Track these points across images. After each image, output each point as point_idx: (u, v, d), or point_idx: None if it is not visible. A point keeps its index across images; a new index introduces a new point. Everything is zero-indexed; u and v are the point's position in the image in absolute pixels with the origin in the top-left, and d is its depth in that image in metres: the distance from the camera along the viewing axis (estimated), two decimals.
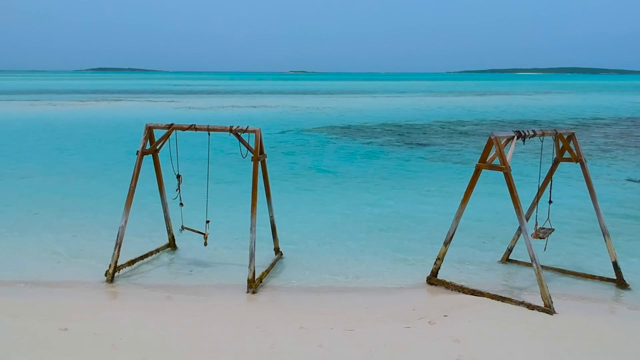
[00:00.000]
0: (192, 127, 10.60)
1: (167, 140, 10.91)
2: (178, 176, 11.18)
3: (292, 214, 14.85)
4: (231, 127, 10.38)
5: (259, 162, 10.26)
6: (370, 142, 30.32)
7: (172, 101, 67.72)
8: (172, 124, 10.65)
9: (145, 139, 10.77)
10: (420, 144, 29.77)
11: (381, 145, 29.43)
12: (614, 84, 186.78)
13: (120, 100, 69.37)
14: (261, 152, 10.48)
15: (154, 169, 11.40)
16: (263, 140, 10.33)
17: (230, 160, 22.48)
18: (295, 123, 41.19)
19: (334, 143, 30.11)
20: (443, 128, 38.32)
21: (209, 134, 10.64)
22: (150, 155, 11.05)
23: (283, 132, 35.15)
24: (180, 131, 10.53)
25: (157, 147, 11.12)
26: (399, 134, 34.28)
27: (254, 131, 10.26)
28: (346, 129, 37.15)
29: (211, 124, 10.50)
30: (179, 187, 11.17)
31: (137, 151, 10.68)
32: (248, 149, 10.40)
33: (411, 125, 40.32)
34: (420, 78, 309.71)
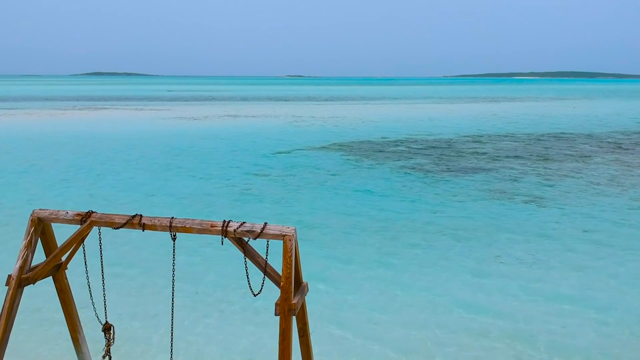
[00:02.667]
0: (135, 222, 4.56)
1: (82, 245, 4.88)
2: (106, 327, 5.13)
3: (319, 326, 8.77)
4: (226, 225, 4.39)
5: (295, 311, 4.27)
6: (401, 168, 24.28)
7: (161, 109, 61.45)
8: (88, 214, 4.64)
9: (30, 247, 4.72)
10: (464, 169, 23.77)
11: (414, 170, 23.42)
12: (622, 88, 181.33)
13: (104, 108, 63.10)
14: (297, 283, 4.48)
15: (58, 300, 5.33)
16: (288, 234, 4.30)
17: (220, 268, 11.44)
18: (302, 138, 35.15)
19: (355, 169, 24.07)
20: (477, 144, 32.33)
21: (174, 236, 4.64)
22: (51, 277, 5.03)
23: (288, 152, 29.09)
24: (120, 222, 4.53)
25: (61, 262, 5.07)
26: (430, 154, 28.26)
27: (280, 237, 4.26)
28: (364, 147, 31.11)
29: (178, 219, 4.47)
30: (107, 349, 5.13)
31: (9, 276, 4.65)
32: (269, 277, 4.43)
33: (439, 141, 34.32)
34: (418, 82, 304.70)
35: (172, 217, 4.53)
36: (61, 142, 32.13)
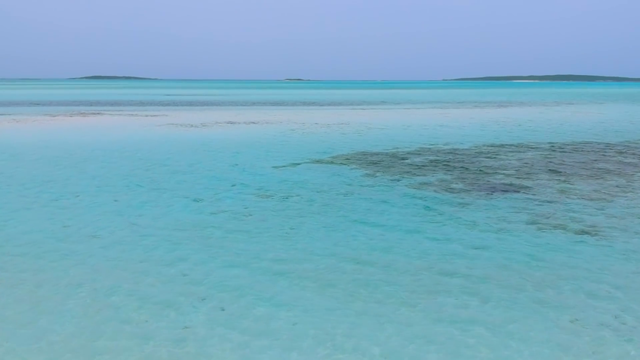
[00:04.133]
0: None
1: None
2: None
3: None
4: None
5: None
6: (420, 187, 21.26)
7: (155, 115, 58.49)
8: None
9: None
10: (492, 188, 20.77)
11: (436, 190, 20.40)
12: (626, 92, 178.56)
13: (95, 114, 60.14)
14: None
15: None
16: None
17: None
18: (307, 148, 32.18)
19: (367, 189, 21.06)
20: (499, 156, 29.34)
21: None
22: None
23: (292, 165, 26.10)
24: None
25: None
26: (450, 169, 25.26)
27: None
28: (374, 159, 28.13)
29: None
30: None
31: None
32: None
33: (455, 151, 31.32)
34: (419, 86, 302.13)
35: None
36: (23, 153, 29.13)
